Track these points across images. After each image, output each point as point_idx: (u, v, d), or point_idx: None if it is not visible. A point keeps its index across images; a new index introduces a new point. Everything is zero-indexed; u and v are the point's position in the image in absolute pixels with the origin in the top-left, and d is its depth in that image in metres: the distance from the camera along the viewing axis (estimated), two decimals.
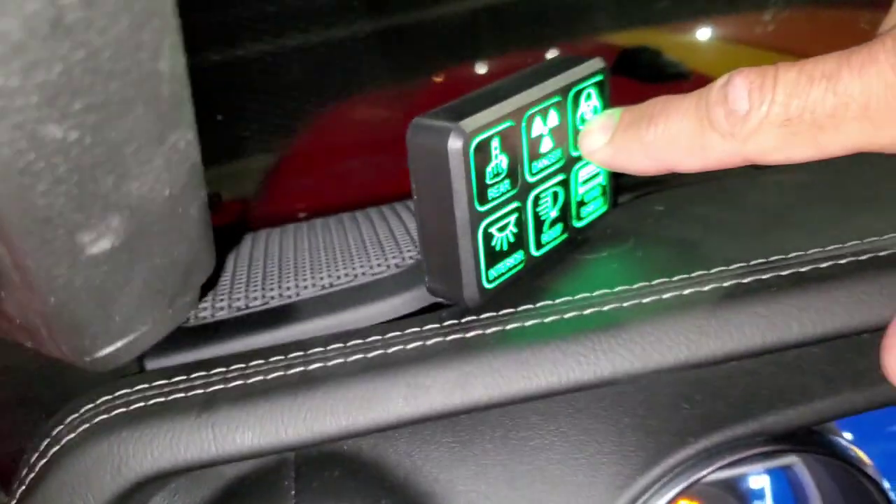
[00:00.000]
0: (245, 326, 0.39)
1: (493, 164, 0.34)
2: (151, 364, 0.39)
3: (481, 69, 0.62)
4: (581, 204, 0.40)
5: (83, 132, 0.23)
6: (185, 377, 0.36)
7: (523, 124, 0.35)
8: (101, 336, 0.26)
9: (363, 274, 0.40)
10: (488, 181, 0.34)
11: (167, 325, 0.28)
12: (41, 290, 0.24)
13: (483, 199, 0.34)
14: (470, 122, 0.33)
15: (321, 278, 0.41)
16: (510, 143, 0.35)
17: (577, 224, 0.40)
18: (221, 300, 0.41)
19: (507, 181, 0.35)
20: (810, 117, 0.30)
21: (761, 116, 0.31)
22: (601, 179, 0.41)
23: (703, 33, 0.63)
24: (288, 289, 0.41)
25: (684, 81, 0.66)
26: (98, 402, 0.36)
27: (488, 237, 0.35)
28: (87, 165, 0.23)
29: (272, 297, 0.41)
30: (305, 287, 0.41)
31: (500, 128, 0.34)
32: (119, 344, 0.27)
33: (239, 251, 0.48)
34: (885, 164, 0.39)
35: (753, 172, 0.48)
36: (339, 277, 0.41)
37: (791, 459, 0.42)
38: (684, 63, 0.65)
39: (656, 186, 0.48)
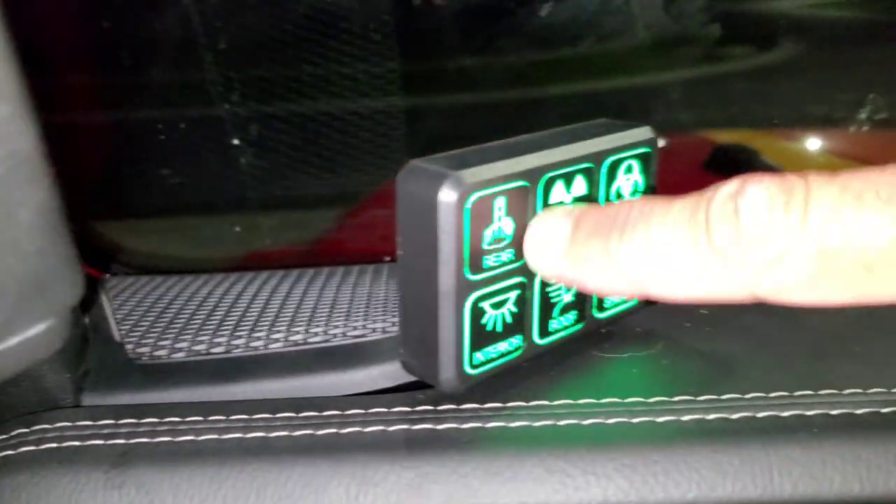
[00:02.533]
0: (198, 374, 0.34)
1: (494, 227, 0.28)
2: (89, 399, 0.34)
3: None
4: None
5: None
6: (112, 421, 0.31)
7: (539, 188, 0.29)
8: None
9: (335, 336, 0.35)
10: (485, 246, 0.28)
11: (11, 357, 0.22)
12: None
13: (476, 268, 0.28)
14: (471, 174, 0.27)
15: (295, 333, 0.36)
16: (520, 207, 0.29)
17: (598, 315, 0.34)
18: (184, 340, 0.37)
19: (510, 250, 0.29)
20: (855, 253, 0.23)
21: (786, 244, 0.23)
22: None
23: (810, 143, 0.57)
24: (258, 339, 0.36)
25: None
26: (11, 433, 0.31)
27: (478, 313, 0.29)
28: None
29: (236, 346, 0.35)
30: (276, 340, 0.35)
31: (508, 186, 0.28)
32: None
33: (231, 290, 0.43)
34: None
35: None
36: (315, 335, 0.35)
37: None
38: (782, 168, 0.60)
39: None
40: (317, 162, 0.48)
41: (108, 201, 0.51)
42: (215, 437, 0.30)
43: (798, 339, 0.35)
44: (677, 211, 0.26)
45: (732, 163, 0.60)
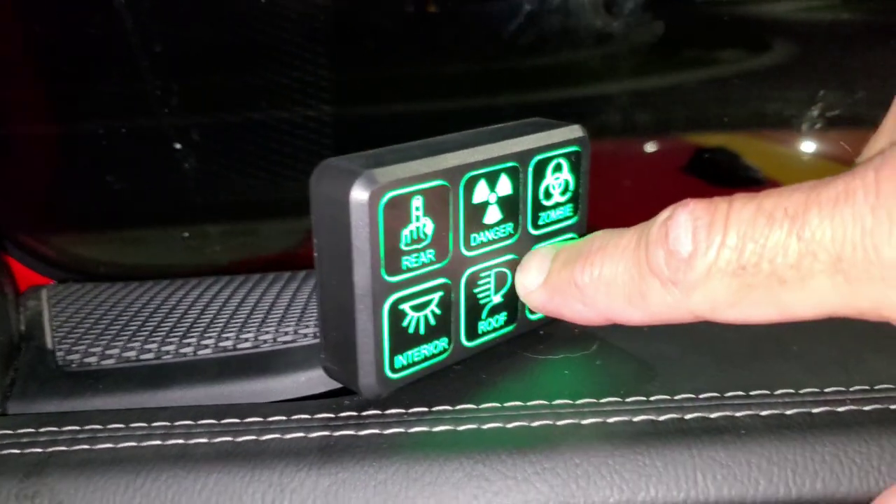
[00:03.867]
0: (126, 381, 0.34)
1: (412, 227, 0.28)
2: (15, 407, 0.34)
3: None
4: None
5: None
6: (32, 430, 0.31)
7: (461, 187, 0.29)
8: None
9: (265, 342, 0.34)
10: (403, 247, 0.28)
11: None
12: None
13: (394, 269, 0.28)
14: (384, 172, 0.27)
15: (225, 339, 0.35)
16: (440, 207, 0.28)
17: (531, 316, 0.33)
18: (115, 347, 0.36)
19: (430, 251, 0.29)
20: (769, 267, 0.23)
21: (709, 262, 0.24)
22: None
23: (792, 144, 0.57)
24: (188, 345, 0.35)
25: (757, 187, 0.60)
26: None
27: (398, 315, 0.28)
28: None
29: (167, 353, 0.35)
30: (206, 347, 0.35)
31: (426, 185, 0.28)
32: None
33: (172, 296, 0.43)
34: None
35: None
36: (245, 341, 0.35)
37: None
38: (763, 170, 0.60)
39: None
40: (260, 169, 0.47)
41: (56, 210, 0.51)
42: (134, 444, 0.29)
43: (737, 339, 0.34)
44: (627, 240, 0.27)
45: (713, 166, 0.60)
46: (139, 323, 0.39)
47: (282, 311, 0.38)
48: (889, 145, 0.24)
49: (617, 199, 0.57)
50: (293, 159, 0.47)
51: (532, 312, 0.33)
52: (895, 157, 0.22)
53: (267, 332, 0.35)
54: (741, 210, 0.24)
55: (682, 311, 0.26)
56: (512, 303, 0.32)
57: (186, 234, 0.49)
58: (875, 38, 0.51)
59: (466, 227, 0.30)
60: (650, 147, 0.57)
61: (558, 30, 0.49)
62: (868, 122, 0.53)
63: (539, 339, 0.35)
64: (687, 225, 0.25)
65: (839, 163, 0.55)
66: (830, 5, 0.52)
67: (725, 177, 0.60)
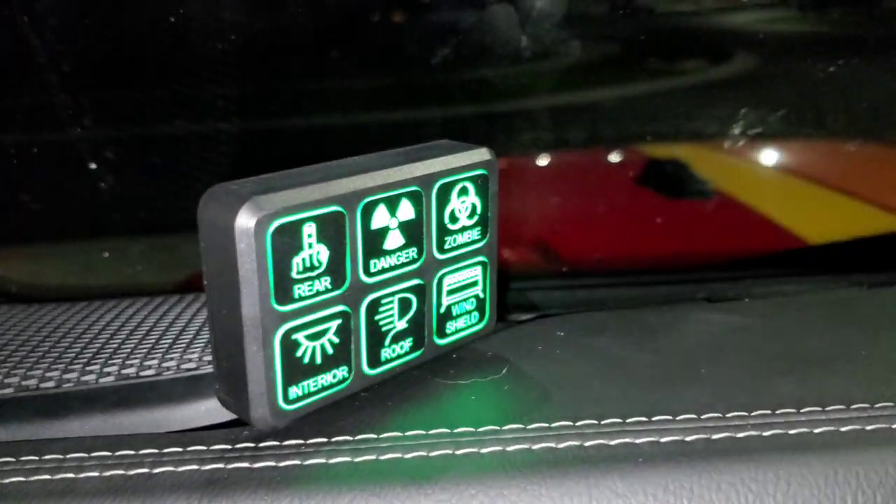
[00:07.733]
0: (23, 411, 0.33)
1: (304, 254, 0.27)
2: None
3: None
4: (446, 317, 0.33)
5: None
6: None
7: (358, 213, 0.28)
8: None
9: (168, 369, 0.33)
10: (295, 275, 0.27)
11: None
12: None
13: (285, 298, 0.27)
14: (272, 199, 0.26)
15: (129, 366, 0.34)
16: (334, 233, 0.28)
17: (439, 341, 0.33)
18: (15, 375, 0.35)
19: (326, 278, 0.28)
20: None
21: None
22: (479, 290, 0.34)
23: (745, 157, 0.57)
24: (91, 372, 0.34)
25: (706, 200, 0.60)
26: None
27: (291, 345, 0.28)
28: None
29: (68, 381, 0.34)
30: (109, 374, 0.34)
31: (318, 212, 0.27)
32: None
33: (85, 320, 0.42)
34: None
35: (689, 306, 0.41)
36: (148, 368, 0.34)
37: None
38: (711, 182, 0.60)
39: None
40: (178, 185, 0.46)
41: None
42: (21, 479, 0.28)
43: (647, 362, 0.34)
44: None
45: (664, 177, 0.60)
46: (45, 349, 0.37)
47: (190, 336, 0.37)
48: None
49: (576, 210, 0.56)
50: (211, 174, 0.47)
51: (441, 337, 0.33)
52: None
53: (171, 359, 0.34)
54: None
55: None
56: (418, 328, 0.32)
57: (106, 254, 0.48)
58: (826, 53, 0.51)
59: (365, 253, 0.29)
60: (603, 159, 0.57)
61: (491, 44, 0.48)
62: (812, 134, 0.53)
63: (451, 362, 0.34)
64: None
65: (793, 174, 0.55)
66: (769, 18, 0.52)
67: (674, 188, 0.60)
